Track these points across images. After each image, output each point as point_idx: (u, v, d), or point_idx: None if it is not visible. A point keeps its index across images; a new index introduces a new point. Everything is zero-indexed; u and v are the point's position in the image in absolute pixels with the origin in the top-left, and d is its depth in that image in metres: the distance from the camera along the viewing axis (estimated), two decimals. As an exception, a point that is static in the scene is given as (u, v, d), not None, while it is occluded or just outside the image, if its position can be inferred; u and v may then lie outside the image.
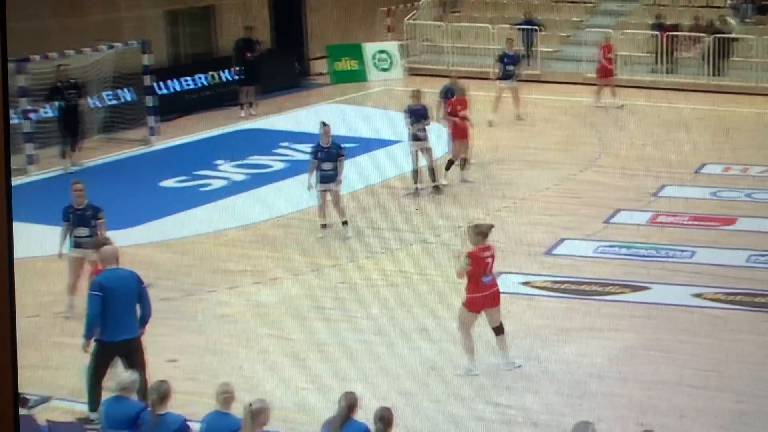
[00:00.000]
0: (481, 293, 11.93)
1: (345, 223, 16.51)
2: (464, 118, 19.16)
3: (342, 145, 16.60)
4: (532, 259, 15.47)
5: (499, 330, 12.04)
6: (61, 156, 20.56)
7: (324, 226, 16.55)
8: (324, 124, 16.60)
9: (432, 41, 29.96)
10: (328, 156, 16.31)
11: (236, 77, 25.49)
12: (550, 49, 28.61)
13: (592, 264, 15.29)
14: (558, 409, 10.99)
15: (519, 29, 28.50)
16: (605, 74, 25.55)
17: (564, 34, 29.14)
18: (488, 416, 10.97)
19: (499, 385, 11.61)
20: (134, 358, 10.76)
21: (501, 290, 14.32)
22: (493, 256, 12.05)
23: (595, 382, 11.68)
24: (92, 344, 10.78)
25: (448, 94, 20.08)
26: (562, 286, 14.44)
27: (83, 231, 13.52)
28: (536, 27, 28.57)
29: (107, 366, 10.81)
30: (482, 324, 13.01)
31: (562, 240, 16.28)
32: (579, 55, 27.88)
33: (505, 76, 23.76)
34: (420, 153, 18.52)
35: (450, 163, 19.14)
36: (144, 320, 10.92)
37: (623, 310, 13.72)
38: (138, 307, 10.84)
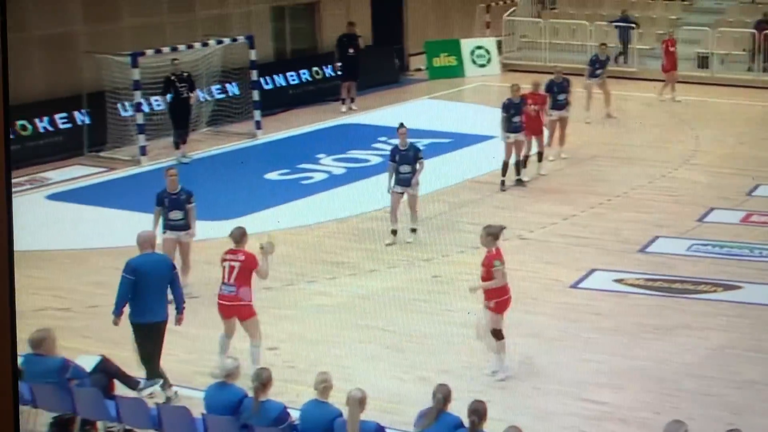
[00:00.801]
0: (508, 294, 11.85)
1: (414, 230, 16.18)
2: (535, 113, 19.34)
3: (420, 148, 16.33)
4: (626, 257, 15.54)
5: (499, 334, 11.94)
6: (174, 147, 21.04)
7: (394, 232, 16.20)
8: (401, 125, 16.29)
9: (529, 37, 30.06)
10: (406, 158, 15.96)
11: (338, 73, 25.86)
12: (647, 47, 28.51)
13: (684, 262, 15.31)
14: (649, 407, 11.05)
15: (615, 27, 28.51)
16: (670, 68, 25.61)
17: (660, 32, 29.01)
18: (579, 412, 11.04)
19: (590, 381, 11.67)
20: (155, 340, 11.22)
21: (595, 287, 14.52)
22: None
23: (686, 380, 11.70)
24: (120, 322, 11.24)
25: (553, 88, 20.42)
26: (655, 284, 14.47)
27: (177, 214, 14.05)
28: (632, 24, 28.54)
29: (148, 344, 11.19)
30: (571, 320, 13.22)
31: (656, 238, 16.31)
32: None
33: (594, 75, 23.88)
34: (514, 146, 18.75)
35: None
36: (179, 307, 11.36)
37: (715, 309, 13.72)
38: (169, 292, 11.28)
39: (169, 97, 21.06)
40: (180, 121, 21.02)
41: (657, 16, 29.77)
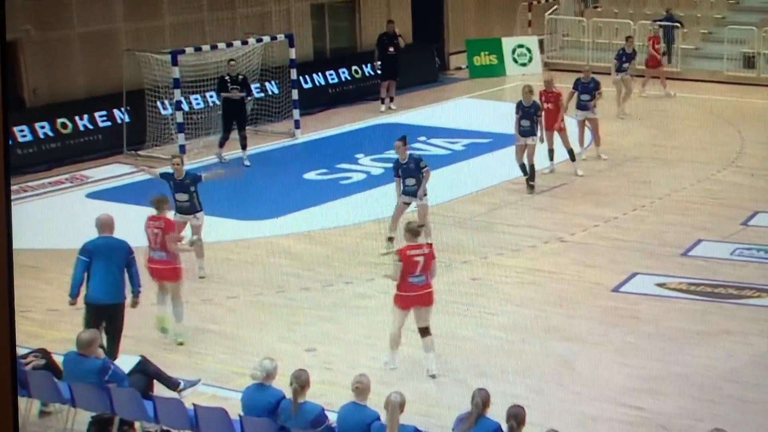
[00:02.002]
0: (407, 293, 11.75)
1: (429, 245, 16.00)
2: (550, 108, 19.24)
3: (422, 158, 15.89)
4: (668, 260, 15.40)
5: (424, 332, 11.88)
6: (219, 145, 20.88)
7: (391, 239, 15.72)
8: (399, 139, 15.80)
9: (572, 36, 29.94)
10: (408, 172, 15.55)
11: (378, 72, 25.79)
12: (691, 47, 28.27)
13: (728, 266, 15.16)
14: (691, 413, 10.98)
15: (659, 26, 28.28)
16: (653, 65, 25.75)
17: (705, 31, 28.76)
18: (619, 417, 10.96)
19: (631, 386, 11.59)
20: (113, 322, 11.51)
21: (637, 291, 14.31)
22: (425, 255, 11.77)
23: (729, 386, 11.59)
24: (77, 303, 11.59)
25: (578, 87, 20.48)
26: (698, 288, 14.36)
27: (183, 197, 14.59)
28: (676, 23, 28.30)
29: (97, 325, 11.29)
30: (612, 324, 13.08)
31: (699, 241, 16.16)
32: (720, 53, 27.52)
33: (621, 70, 23.96)
34: (524, 150, 18.54)
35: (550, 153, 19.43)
36: (135, 291, 11.66)
37: (759, 315, 13.56)
38: (127, 276, 11.62)
39: (220, 97, 21.00)
40: (229, 123, 20.79)
41: (702, 15, 29.48)
